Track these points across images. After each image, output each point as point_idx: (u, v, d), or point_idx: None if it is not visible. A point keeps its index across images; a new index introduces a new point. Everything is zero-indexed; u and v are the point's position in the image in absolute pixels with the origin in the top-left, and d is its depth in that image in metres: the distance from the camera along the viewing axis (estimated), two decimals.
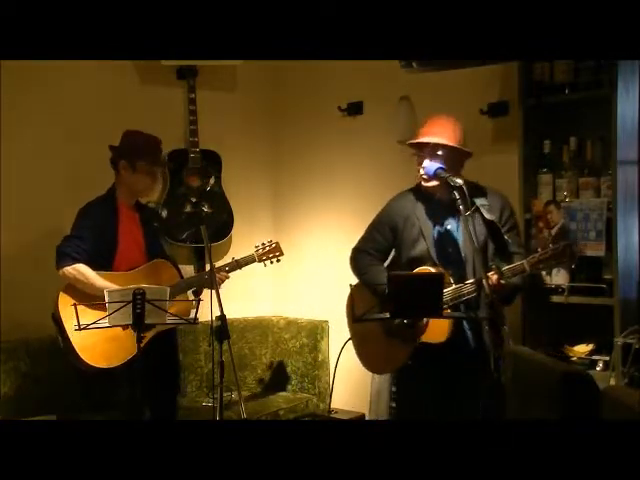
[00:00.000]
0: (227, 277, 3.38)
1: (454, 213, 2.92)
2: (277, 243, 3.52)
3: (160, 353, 3.18)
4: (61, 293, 3.11)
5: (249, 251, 3.50)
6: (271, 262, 3.51)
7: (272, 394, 4.16)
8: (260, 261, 3.48)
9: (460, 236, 2.94)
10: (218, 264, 3.43)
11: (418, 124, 3.69)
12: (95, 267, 3.12)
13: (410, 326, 2.90)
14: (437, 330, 2.86)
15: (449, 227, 2.97)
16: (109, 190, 3.29)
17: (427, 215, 2.98)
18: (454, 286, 2.83)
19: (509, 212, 2.99)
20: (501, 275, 2.75)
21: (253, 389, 4.26)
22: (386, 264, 3.15)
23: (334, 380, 3.84)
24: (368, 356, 3.14)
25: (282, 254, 3.52)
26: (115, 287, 2.99)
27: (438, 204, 2.97)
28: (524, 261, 2.78)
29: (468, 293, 2.82)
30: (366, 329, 3.04)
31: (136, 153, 3.23)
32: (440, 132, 2.92)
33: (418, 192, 3.04)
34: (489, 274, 2.73)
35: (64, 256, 3.10)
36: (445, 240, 2.96)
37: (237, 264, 3.42)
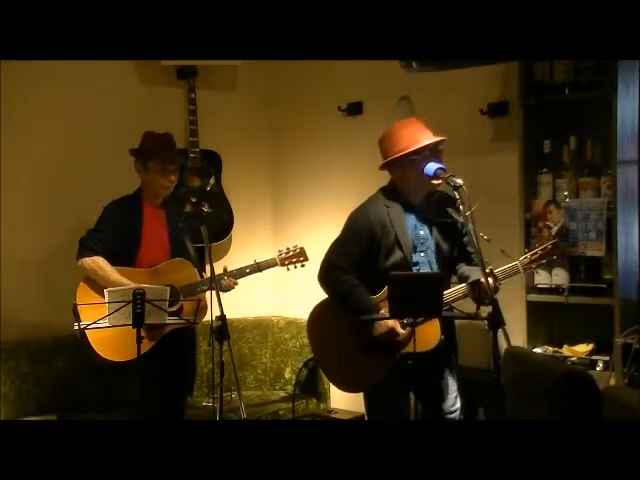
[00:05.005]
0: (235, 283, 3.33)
1: (426, 218, 2.90)
2: (302, 248, 3.48)
3: (177, 354, 3.19)
4: (81, 284, 3.13)
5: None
6: (295, 267, 3.46)
7: (272, 394, 4.17)
8: (283, 265, 3.44)
9: (433, 242, 2.90)
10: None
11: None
12: (117, 263, 3.14)
13: (410, 326, 2.88)
14: (427, 337, 2.78)
15: (422, 233, 2.91)
16: (137, 190, 3.32)
17: (401, 221, 2.88)
18: (453, 288, 2.82)
19: None
20: (495, 278, 2.73)
21: (253, 389, 4.26)
22: None
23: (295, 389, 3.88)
24: (340, 375, 3.01)
25: (307, 259, 3.46)
26: (125, 282, 3.02)
27: (410, 209, 2.92)
28: (517, 262, 2.82)
29: (465, 295, 2.81)
30: (336, 347, 2.94)
31: (146, 154, 3.25)
32: (429, 131, 2.89)
33: (389, 196, 2.95)
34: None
35: (85, 248, 3.14)
36: (420, 247, 2.90)
37: (257, 267, 3.39)
